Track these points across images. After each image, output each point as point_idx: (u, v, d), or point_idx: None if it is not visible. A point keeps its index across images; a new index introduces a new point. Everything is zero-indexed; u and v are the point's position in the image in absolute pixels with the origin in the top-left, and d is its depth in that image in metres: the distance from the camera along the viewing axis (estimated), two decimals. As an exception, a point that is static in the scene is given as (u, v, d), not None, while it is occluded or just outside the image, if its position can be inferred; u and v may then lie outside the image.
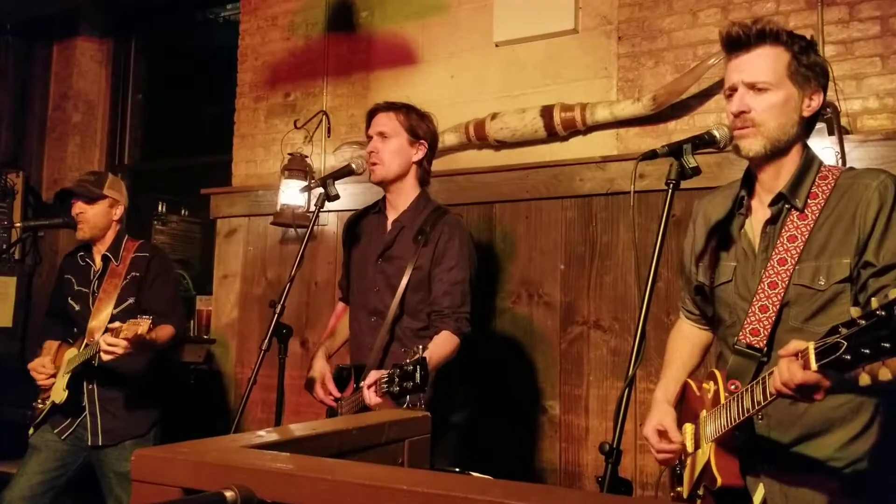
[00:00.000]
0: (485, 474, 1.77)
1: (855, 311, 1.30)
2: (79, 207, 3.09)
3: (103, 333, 2.76)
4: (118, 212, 3.15)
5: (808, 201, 1.74)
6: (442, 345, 2.40)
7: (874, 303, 1.26)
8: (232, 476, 0.95)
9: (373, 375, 2.25)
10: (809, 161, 1.79)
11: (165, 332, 2.92)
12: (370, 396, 2.24)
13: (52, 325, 3.25)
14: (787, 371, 1.43)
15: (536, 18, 3.40)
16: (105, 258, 3.12)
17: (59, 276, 3.30)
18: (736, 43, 1.77)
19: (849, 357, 1.29)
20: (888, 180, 1.70)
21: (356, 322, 2.65)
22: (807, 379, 1.40)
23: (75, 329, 3.11)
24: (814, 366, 1.36)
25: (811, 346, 1.38)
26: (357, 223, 2.78)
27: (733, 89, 1.78)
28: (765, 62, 1.74)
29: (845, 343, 1.30)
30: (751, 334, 1.74)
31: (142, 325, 2.62)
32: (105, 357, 2.70)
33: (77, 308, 3.11)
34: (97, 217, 3.09)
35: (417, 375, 2.10)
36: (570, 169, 3.24)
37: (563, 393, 3.20)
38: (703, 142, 1.73)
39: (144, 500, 1.01)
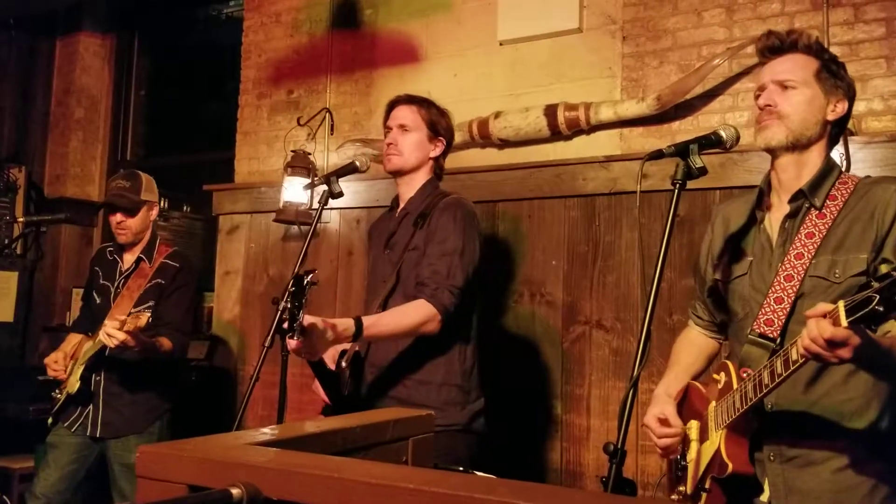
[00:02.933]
0: (486, 473, 1.76)
1: (885, 267, 1.33)
2: (119, 217, 3.13)
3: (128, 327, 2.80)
4: (154, 212, 3.22)
5: (827, 202, 1.79)
6: (404, 311, 2.29)
7: None
8: (238, 473, 0.95)
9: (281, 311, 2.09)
10: (831, 167, 1.85)
11: (163, 346, 2.96)
12: (288, 343, 2.11)
13: (83, 317, 3.30)
14: (815, 328, 1.43)
15: (540, 17, 3.39)
16: (138, 259, 3.16)
17: (90, 267, 3.36)
18: (771, 49, 1.87)
19: (881, 308, 1.30)
20: None
21: (366, 313, 2.57)
22: (836, 335, 1.40)
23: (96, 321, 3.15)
24: (844, 322, 1.37)
25: (841, 303, 1.39)
26: (374, 227, 2.78)
27: (762, 88, 1.85)
28: (795, 64, 1.83)
29: (877, 296, 1.31)
30: (765, 324, 1.76)
31: (141, 318, 2.71)
32: (104, 340, 2.77)
33: (98, 301, 3.17)
34: (138, 224, 3.15)
35: (289, 295, 1.97)
36: (573, 168, 3.23)
37: (564, 392, 3.20)
38: (710, 142, 1.74)
39: (150, 496, 1.01)
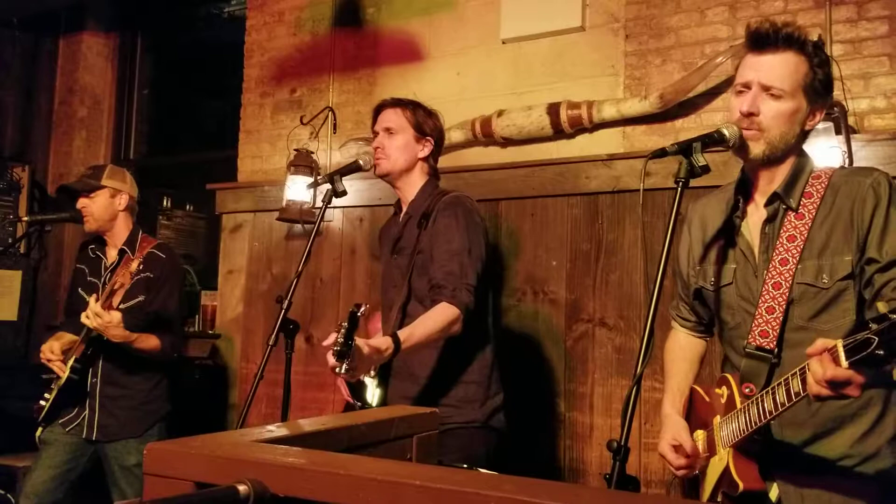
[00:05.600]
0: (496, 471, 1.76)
1: (883, 306, 1.30)
2: (81, 202, 3.12)
3: (104, 298, 2.82)
4: (122, 201, 3.14)
5: (803, 200, 1.76)
6: (432, 316, 2.28)
7: None
8: (244, 470, 0.96)
9: (331, 336, 2.12)
10: (802, 164, 1.81)
11: (150, 342, 2.96)
12: (328, 358, 2.11)
13: (70, 323, 3.25)
14: (819, 369, 1.41)
15: (543, 15, 3.39)
16: (121, 252, 3.12)
17: (73, 269, 3.33)
18: (762, 41, 1.76)
19: (882, 352, 1.28)
20: (881, 177, 1.72)
21: (385, 321, 2.59)
22: (837, 375, 1.38)
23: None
24: (844, 363, 1.35)
25: (839, 343, 1.37)
26: (382, 232, 2.79)
27: (746, 86, 1.77)
28: (785, 69, 1.74)
29: (877, 339, 1.29)
30: (760, 336, 1.74)
31: (132, 264, 2.76)
32: (84, 320, 2.79)
33: (87, 299, 3.12)
34: (100, 209, 3.11)
35: (343, 331, 2.00)
36: (576, 166, 3.24)
37: (567, 390, 3.20)
38: (713, 140, 1.72)
39: (157, 493, 1.01)
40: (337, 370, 2.03)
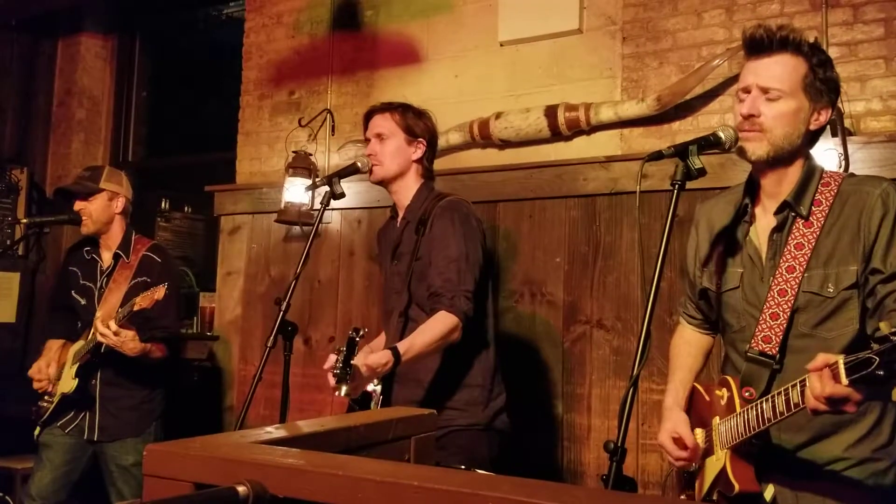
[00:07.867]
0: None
1: (885, 327, 1.31)
2: (78, 205, 3.12)
3: (120, 317, 2.82)
4: (119, 204, 3.15)
5: (813, 209, 1.77)
6: (431, 326, 2.29)
7: None
8: (244, 471, 0.96)
9: (331, 359, 2.17)
10: (812, 170, 1.82)
11: (159, 352, 3.01)
12: (329, 379, 2.16)
13: (56, 321, 3.26)
14: (818, 385, 1.42)
15: (541, 18, 3.40)
16: (116, 256, 3.13)
17: (63, 269, 3.32)
18: (758, 45, 1.79)
19: (882, 372, 1.30)
20: (890, 188, 1.73)
21: (386, 327, 2.61)
22: (837, 392, 1.40)
23: (79, 323, 3.13)
24: (844, 381, 1.37)
25: (840, 360, 1.38)
26: (379, 237, 2.80)
27: (746, 91, 1.79)
28: (782, 70, 1.76)
29: (878, 359, 1.30)
30: (763, 341, 1.75)
31: (158, 291, 2.71)
32: (100, 339, 2.82)
33: (83, 303, 3.13)
34: (98, 211, 3.11)
35: (341, 357, 2.06)
36: (573, 168, 3.25)
37: (565, 392, 3.21)
38: (709, 143, 1.73)
39: (156, 494, 1.02)
40: (337, 393, 2.10)
